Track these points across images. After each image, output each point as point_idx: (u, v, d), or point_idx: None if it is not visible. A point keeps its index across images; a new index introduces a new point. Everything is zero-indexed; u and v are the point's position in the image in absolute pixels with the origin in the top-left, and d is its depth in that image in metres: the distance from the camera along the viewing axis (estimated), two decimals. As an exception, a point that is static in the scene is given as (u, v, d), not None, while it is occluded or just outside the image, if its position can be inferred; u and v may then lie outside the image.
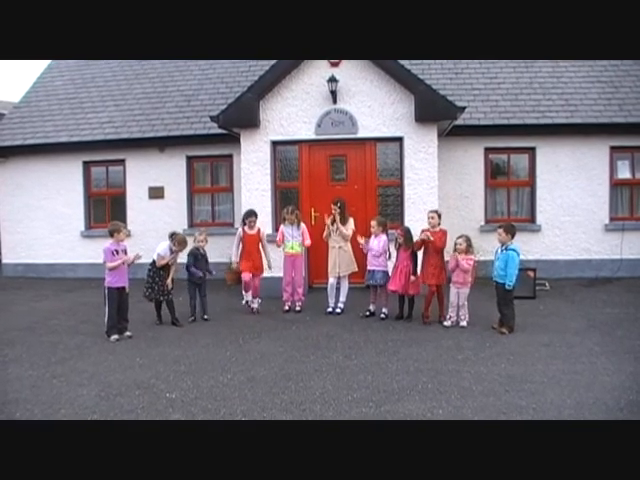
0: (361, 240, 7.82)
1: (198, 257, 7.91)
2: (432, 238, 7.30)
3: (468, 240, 7.23)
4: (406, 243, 7.48)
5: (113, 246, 6.99)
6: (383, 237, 7.80)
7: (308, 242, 8.29)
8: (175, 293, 7.79)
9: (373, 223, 7.87)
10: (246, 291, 8.32)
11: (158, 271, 7.59)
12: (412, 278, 7.39)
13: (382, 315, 7.71)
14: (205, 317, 7.92)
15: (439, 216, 7.57)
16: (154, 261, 7.64)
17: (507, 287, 6.80)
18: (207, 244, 8.10)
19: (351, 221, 8.21)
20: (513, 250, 6.84)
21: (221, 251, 8.40)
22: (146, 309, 7.90)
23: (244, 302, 8.37)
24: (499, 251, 7.01)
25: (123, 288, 7.01)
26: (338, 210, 8.02)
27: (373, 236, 7.83)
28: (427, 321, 7.37)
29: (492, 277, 7.11)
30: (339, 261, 8.06)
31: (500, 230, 6.98)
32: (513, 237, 6.96)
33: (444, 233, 7.45)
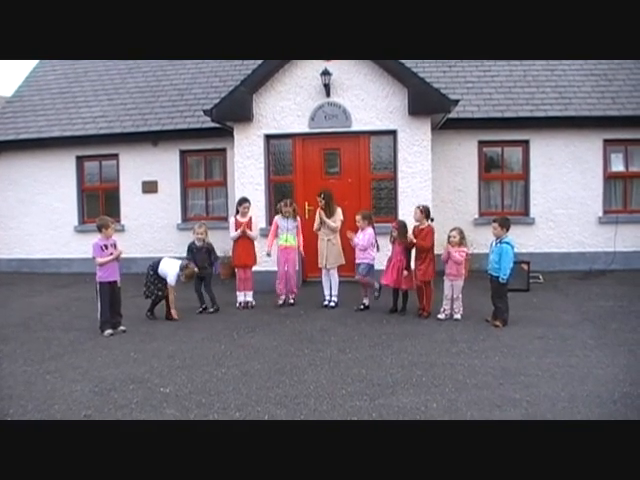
0: (350, 236, 7.81)
1: (193, 251, 7.95)
2: (414, 240, 7.31)
3: (461, 232, 7.23)
4: (400, 237, 7.47)
5: (102, 241, 6.96)
6: (369, 230, 7.79)
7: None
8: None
9: (358, 217, 7.84)
10: (239, 290, 8.27)
11: (159, 277, 7.58)
12: (404, 273, 7.39)
13: (361, 306, 7.78)
14: (213, 308, 7.99)
15: (424, 211, 7.46)
16: (154, 266, 7.62)
17: (501, 280, 6.81)
18: (207, 237, 8.08)
19: (339, 211, 8.16)
20: (507, 243, 6.85)
21: (215, 245, 8.42)
22: (141, 304, 7.87)
23: (238, 304, 8.23)
24: (494, 244, 7.02)
25: (115, 282, 6.99)
26: (323, 202, 7.99)
27: (360, 230, 7.83)
28: (421, 314, 7.38)
29: (487, 270, 7.13)
30: (327, 254, 8.05)
31: (495, 224, 6.99)
32: (508, 230, 6.97)
33: (429, 232, 7.36)
